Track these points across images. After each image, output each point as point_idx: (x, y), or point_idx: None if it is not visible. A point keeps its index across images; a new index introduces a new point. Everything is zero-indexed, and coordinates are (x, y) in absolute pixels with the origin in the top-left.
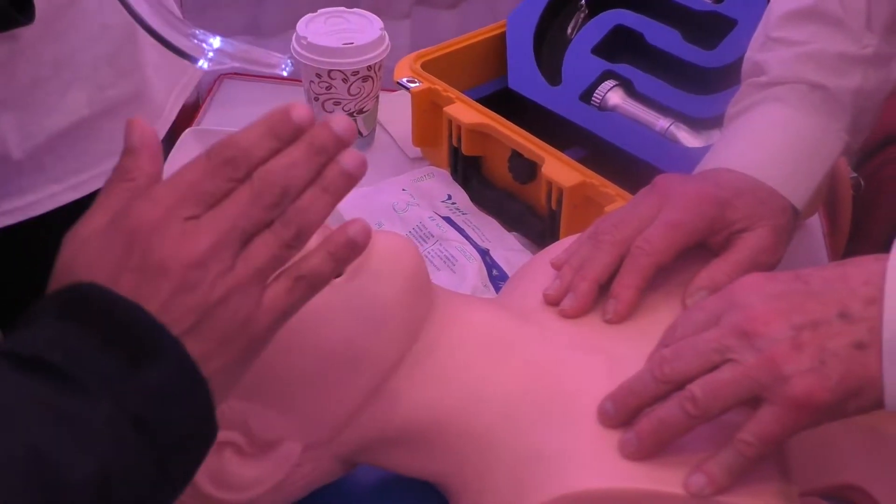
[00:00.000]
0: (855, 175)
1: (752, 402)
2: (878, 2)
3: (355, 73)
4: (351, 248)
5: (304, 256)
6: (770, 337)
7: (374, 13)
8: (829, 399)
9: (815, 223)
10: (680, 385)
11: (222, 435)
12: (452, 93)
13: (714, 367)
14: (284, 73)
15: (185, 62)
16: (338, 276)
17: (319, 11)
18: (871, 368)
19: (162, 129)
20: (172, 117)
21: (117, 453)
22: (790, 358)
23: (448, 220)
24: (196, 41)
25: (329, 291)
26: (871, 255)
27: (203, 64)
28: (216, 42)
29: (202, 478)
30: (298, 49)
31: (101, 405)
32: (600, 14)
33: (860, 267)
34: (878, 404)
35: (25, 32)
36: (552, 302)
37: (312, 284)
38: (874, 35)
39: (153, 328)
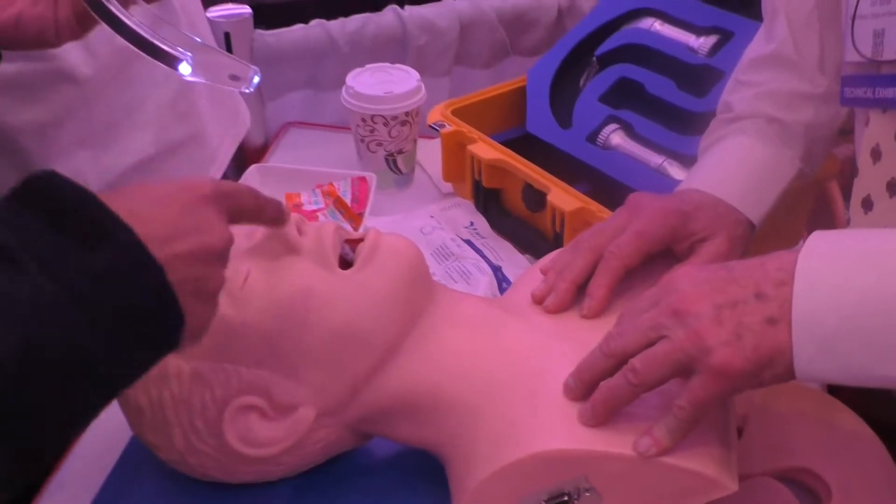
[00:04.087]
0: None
1: (685, 373)
2: (829, 48)
3: (395, 118)
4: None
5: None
6: (696, 314)
7: (417, 71)
8: (745, 367)
9: None
10: (624, 360)
11: (248, 399)
12: (475, 134)
13: (652, 343)
14: (248, 90)
15: (236, 106)
16: (345, 267)
17: (366, 66)
18: (781, 341)
19: (218, 171)
20: (227, 159)
21: (46, 328)
22: (712, 332)
23: (468, 242)
24: (177, 49)
25: (339, 280)
26: (787, 250)
27: (184, 69)
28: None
29: (232, 437)
30: (347, 97)
31: (33, 280)
32: (608, 68)
33: (776, 257)
34: (790, 374)
35: (94, 79)
36: (538, 300)
37: None
38: (825, 76)
39: (105, 214)
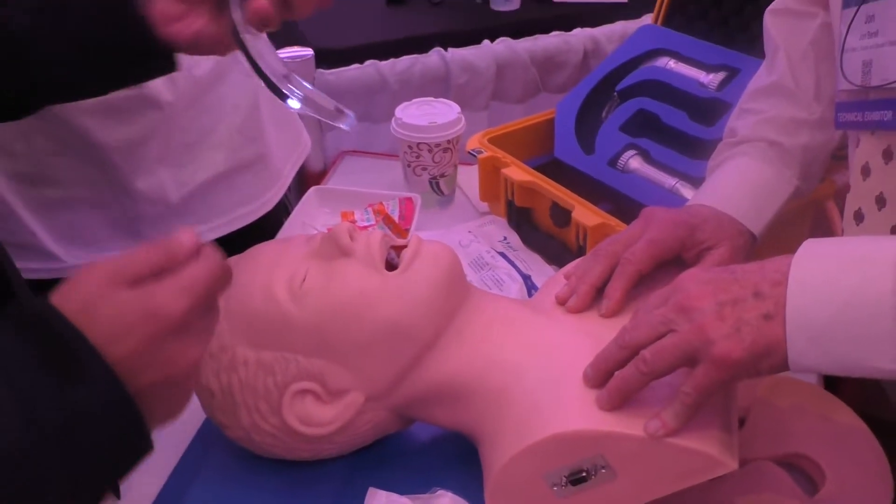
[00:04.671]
0: None
1: (691, 364)
2: (824, 79)
3: (437, 145)
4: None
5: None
6: (700, 310)
7: (459, 105)
8: (743, 357)
9: None
10: (637, 351)
11: (305, 384)
12: (508, 159)
13: (661, 336)
14: (346, 128)
15: (298, 132)
16: (391, 269)
17: (413, 100)
18: (776, 334)
19: (281, 189)
20: (289, 180)
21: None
22: (714, 326)
23: (502, 254)
24: (289, 86)
25: (385, 280)
26: (784, 255)
27: (293, 104)
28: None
29: (291, 417)
30: (396, 127)
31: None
32: (627, 101)
33: (773, 261)
34: (785, 364)
35: (174, 105)
36: (561, 301)
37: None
38: (820, 104)
39: (87, 352)
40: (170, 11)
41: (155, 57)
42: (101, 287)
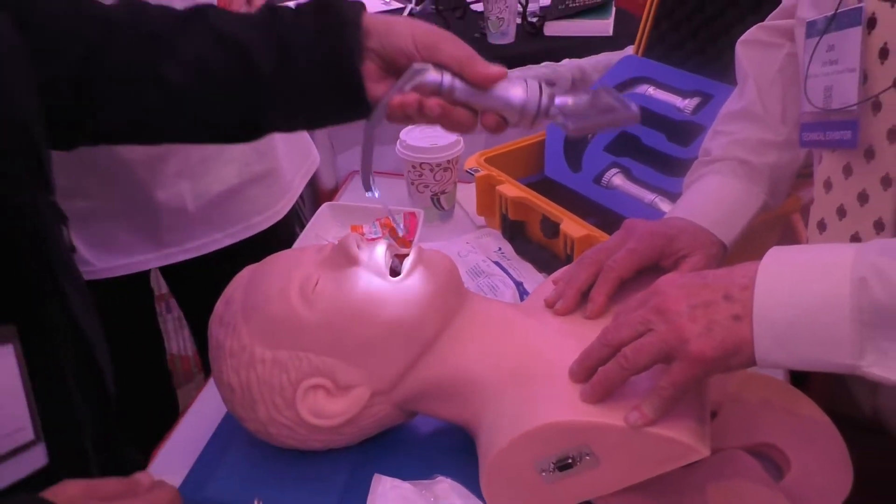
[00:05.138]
0: None
1: (667, 361)
2: (790, 104)
3: (438, 164)
4: None
5: None
6: (676, 312)
7: None
8: (715, 355)
9: None
10: (618, 349)
11: (317, 380)
12: (503, 177)
13: (640, 336)
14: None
15: (307, 149)
16: (394, 276)
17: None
18: (744, 334)
19: (289, 202)
20: (299, 191)
21: None
22: (688, 327)
23: (497, 263)
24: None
25: (389, 286)
26: (752, 262)
27: (373, 194)
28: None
29: (305, 411)
30: (400, 149)
31: None
32: None
33: (742, 267)
34: (752, 361)
35: None
36: (549, 305)
37: None
38: (786, 127)
39: None
40: (374, 72)
41: (358, 106)
42: (80, 495)
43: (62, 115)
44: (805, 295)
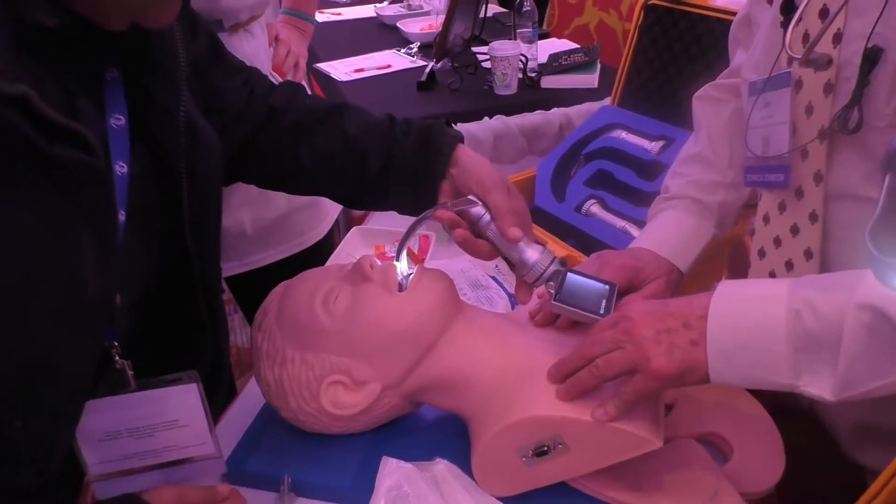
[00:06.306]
0: None
1: (631, 373)
2: (736, 151)
3: None
4: None
5: None
6: (642, 336)
7: None
8: (673, 373)
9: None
10: (591, 360)
11: (337, 377)
12: None
13: (611, 351)
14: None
15: None
16: (401, 290)
17: None
18: (699, 357)
19: (328, 226)
20: (334, 218)
21: None
22: (652, 348)
23: (493, 278)
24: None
25: (397, 299)
26: (707, 292)
27: (400, 263)
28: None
29: (327, 403)
30: None
31: None
32: (590, 162)
33: (699, 298)
34: (706, 380)
35: None
36: (532, 316)
37: None
38: (733, 170)
39: None
40: (446, 189)
41: (426, 208)
42: (172, 500)
43: (228, 168)
44: (750, 324)
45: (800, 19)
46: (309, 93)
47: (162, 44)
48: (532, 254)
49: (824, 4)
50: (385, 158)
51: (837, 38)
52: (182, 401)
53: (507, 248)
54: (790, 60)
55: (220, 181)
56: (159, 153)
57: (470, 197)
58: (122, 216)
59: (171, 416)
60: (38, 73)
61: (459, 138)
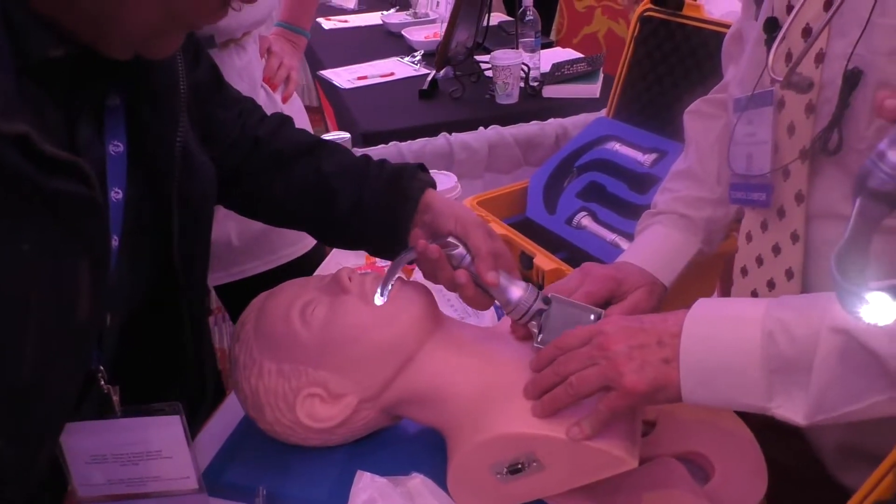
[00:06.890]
0: None
1: (607, 389)
2: (725, 167)
3: None
4: None
5: None
6: (615, 352)
7: (458, 176)
8: (645, 389)
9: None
10: (567, 377)
11: (313, 389)
12: (490, 217)
13: (586, 367)
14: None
15: None
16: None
17: None
18: (672, 375)
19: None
20: None
21: None
22: (625, 364)
23: None
24: (385, 294)
25: (374, 311)
26: (683, 309)
27: (382, 299)
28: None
29: (303, 415)
30: None
31: None
32: (583, 174)
33: (674, 315)
34: (679, 398)
35: None
36: (513, 330)
37: None
38: (721, 186)
39: None
40: (420, 235)
41: (396, 252)
42: None
43: None
44: (723, 345)
45: (783, 38)
46: (305, 114)
47: (164, 71)
48: (515, 291)
49: (807, 24)
50: (354, 199)
51: (820, 58)
52: (165, 432)
53: (491, 288)
54: (773, 80)
55: (212, 209)
56: (154, 179)
57: (450, 239)
58: (115, 241)
59: (155, 447)
60: (41, 102)
61: (431, 183)
